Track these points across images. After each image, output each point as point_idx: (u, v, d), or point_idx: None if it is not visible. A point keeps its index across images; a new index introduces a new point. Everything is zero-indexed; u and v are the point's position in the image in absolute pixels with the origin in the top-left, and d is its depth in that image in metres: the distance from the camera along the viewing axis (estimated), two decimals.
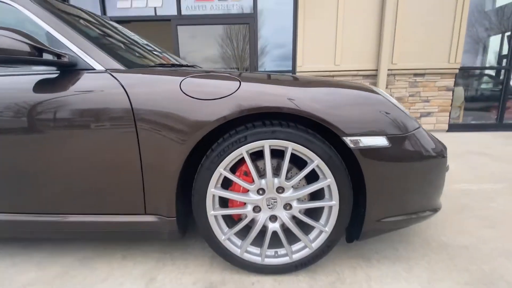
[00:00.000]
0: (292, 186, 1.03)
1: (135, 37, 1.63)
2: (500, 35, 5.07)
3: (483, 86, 5.54)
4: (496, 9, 5.07)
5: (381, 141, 0.97)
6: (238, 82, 0.98)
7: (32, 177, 1.04)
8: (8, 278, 1.10)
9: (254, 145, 0.97)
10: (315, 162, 0.98)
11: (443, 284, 1.03)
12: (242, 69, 5.27)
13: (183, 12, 4.74)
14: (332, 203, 1.02)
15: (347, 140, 0.96)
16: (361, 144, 0.96)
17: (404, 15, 4.48)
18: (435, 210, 1.15)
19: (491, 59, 5.25)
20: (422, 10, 4.49)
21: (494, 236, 1.36)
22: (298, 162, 1.09)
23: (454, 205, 1.74)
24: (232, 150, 0.98)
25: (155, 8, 4.78)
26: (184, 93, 0.97)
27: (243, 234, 1.10)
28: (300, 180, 1.03)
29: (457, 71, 4.71)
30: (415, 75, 4.73)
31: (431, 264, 1.15)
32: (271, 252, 1.09)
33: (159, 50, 1.77)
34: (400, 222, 1.08)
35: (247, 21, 4.75)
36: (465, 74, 5.19)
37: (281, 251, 1.10)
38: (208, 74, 1.04)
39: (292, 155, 1.00)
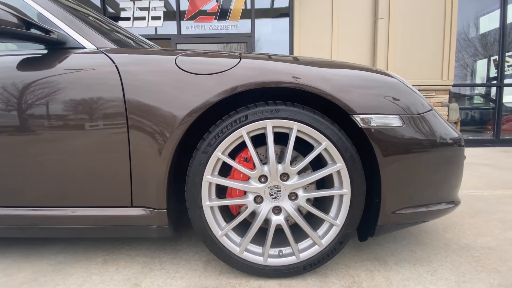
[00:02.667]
0: (297, 173, 0.92)
1: (124, 29, 1.61)
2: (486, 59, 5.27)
3: (477, 103, 5.65)
4: (480, 36, 5.32)
5: (394, 120, 0.89)
6: (238, 59, 0.92)
7: (7, 164, 0.92)
8: None
9: (255, 126, 0.88)
10: (323, 144, 0.88)
11: (474, 286, 0.89)
12: None
13: (183, 31, 4.87)
14: (343, 191, 0.91)
15: (358, 118, 0.87)
16: (372, 123, 0.88)
17: (396, 36, 4.65)
18: (454, 203, 1.04)
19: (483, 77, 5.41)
20: (414, 31, 4.67)
21: None
22: (303, 150, 0.99)
23: (469, 209, 1.62)
24: (231, 131, 0.88)
25: (156, 27, 4.92)
26: (180, 68, 0.89)
27: (242, 230, 0.97)
28: (306, 165, 0.93)
29: (450, 87, 4.80)
30: None
31: (456, 266, 1.01)
32: (275, 251, 0.95)
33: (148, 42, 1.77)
34: (418, 215, 0.96)
35: (245, 41, 4.88)
36: (460, 93, 5.31)
37: (287, 250, 0.96)
38: (206, 53, 0.98)
39: (297, 139, 0.91)
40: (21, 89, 0.91)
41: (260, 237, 0.95)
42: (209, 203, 0.91)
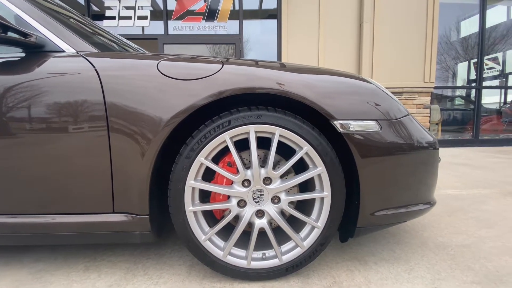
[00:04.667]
0: (280, 177, 0.94)
1: (108, 31, 1.58)
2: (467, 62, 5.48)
3: (458, 105, 5.86)
4: (461, 39, 5.52)
5: (372, 125, 0.92)
6: (221, 65, 0.93)
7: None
8: None
9: (238, 131, 0.89)
10: (305, 148, 0.91)
11: (448, 284, 0.93)
12: None
13: (170, 31, 4.81)
14: (323, 194, 0.93)
15: (337, 124, 0.90)
16: (351, 129, 0.90)
17: (380, 40, 4.76)
18: (430, 203, 1.08)
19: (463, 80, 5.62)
20: (397, 35, 4.80)
21: (492, 236, 1.30)
22: (286, 154, 1.01)
23: (446, 208, 1.69)
24: (214, 136, 0.89)
25: (142, 27, 4.84)
26: (162, 73, 0.89)
27: (226, 234, 0.97)
28: (288, 169, 0.95)
29: (432, 89, 4.96)
30: (394, 93, 4.92)
31: (432, 264, 1.06)
32: (258, 254, 0.97)
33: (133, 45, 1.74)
34: (396, 216, 1.00)
35: (233, 42, 4.87)
36: (442, 95, 5.50)
37: (270, 252, 0.97)
38: (191, 58, 0.98)
39: (279, 144, 0.93)
40: None
41: (243, 241, 0.97)
42: (192, 208, 0.91)
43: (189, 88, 0.88)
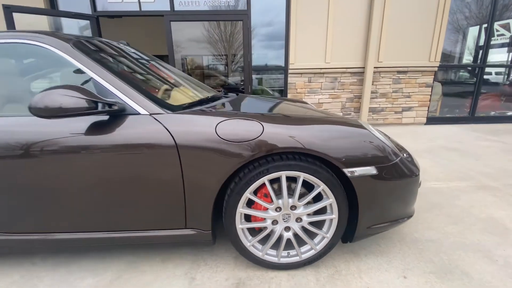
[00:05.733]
0: (302, 205, 1.32)
1: (159, 65, 1.82)
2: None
3: (460, 82, 5.94)
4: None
5: (371, 170, 1.27)
6: (262, 127, 1.23)
7: (100, 200, 1.26)
8: (69, 284, 1.35)
9: (274, 175, 1.25)
10: (321, 187, 1.27)
11: (413, 272, 1.39)
12: (232, 57, 5.40)
13: (176, 7, 4.74)
14: (332, 216, 1.33)
15: (346, 171, 1.24)
16: (356, 174, 1.26)
17: (390, 17, 4.72)
18: (409, 216, 1.48)
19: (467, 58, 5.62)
20: (407, 13, 4.74)
21: (455, 232, 1.74)
22: (306, 184, 1.37)
23: (425, 203, 2.11)
24: (257, 179, 1.24)
25: (147, 3, 4.74)
26: (219, 136, 1.20)
27: (262, 240, 1.40)
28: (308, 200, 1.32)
29: (436, 69, 5.07)
30: (399, 72, 5.06)
31: (405, 257, 1.51)
32: (285, 253, 1.41)
33: (181, 76, 1.99)
34: (384, 227, 1.41)
35: (241, 18, 4.82)
36: (444, 72, 5.57)
37: (293, 252, 1.41)
38: (237, 118, 1.27)
39: (294, 178, 1.28)
40: (91, 148, 1.20)
41: (274, 244, 1.39)
42: (241, 226, 1.32)
43: (241, 147, 1.20)
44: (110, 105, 1.18)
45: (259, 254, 1.37)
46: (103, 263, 1.49)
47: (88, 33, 4.73)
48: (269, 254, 1.39)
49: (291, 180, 1.35)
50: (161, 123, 1.21)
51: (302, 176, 1.25)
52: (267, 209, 1.33)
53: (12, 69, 1.36)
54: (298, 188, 1.28)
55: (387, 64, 4.94)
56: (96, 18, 4.67)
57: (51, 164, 1.20)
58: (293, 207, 1.32)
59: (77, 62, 1.27)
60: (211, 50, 5.46)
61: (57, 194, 1.25)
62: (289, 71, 4.92)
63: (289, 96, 5.06)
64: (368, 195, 1.30)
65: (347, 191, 1.34)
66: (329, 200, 1.30)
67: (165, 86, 1.61)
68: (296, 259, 1.40)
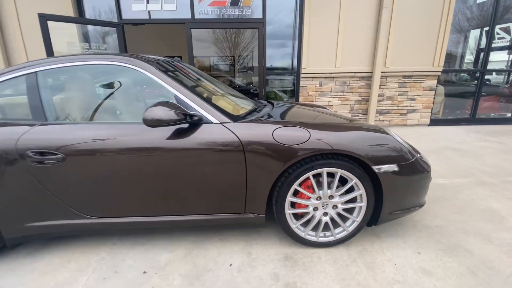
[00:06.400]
0: (338, 195, 1.65)
1: (207, 77, 2.15)
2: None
3: (461, 84, 6.26)
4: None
5: (393, 168, 1.60)
6: (309, 133, 1.56)
7: (180, 189, 1.59)
8: (150, 258, 1.69)
9: (317, 171, 1.58)
10: (354, 181, 1.61)
11: (426, 250, 1.72)
12: (240, 60, 5.70)
13: (197, 16, 5.06)
14: (362, 204, 1.67)
15: (375, 168, 1.58)
16: (382, 170, 1.59)
17: (397, 24, 5.04)
18: (422, 205, 1.82)
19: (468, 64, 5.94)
20: (412, 21, 5.06)
21: (459, 220, 2.07)
22: (341, 178, 1.70)
23: (433, 197, 2.45)
24: (303, 174, 1.57)
25: (169, 11, 5.05)
26: (275, 140, 1.53)
27: (305, 223, 1.73)
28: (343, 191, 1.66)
29: (439, 73, 5.39)
30: (404, 76, 5.38)
31: (418, 238, 1.84)
32: (322, 234, 1.74)
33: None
34: (402, 213, 1.74)
35: (257, 26, 5.14)
36: (446, 74, 5.89)
37: (328, 233, 1.74)
38: (288, 126, 1.59)
39: (333, 174, 1.62)
40: (177, 149, 1.53)
41: (314, 226, 1.73)
42: (288, 211, 1.65)
43: (293, 149, 1.53)
44: (191, 116, 1.51)
45: (302, 234, 1.71)
46: (172, 242, 1.83)
47: (114, 38, 5.04)
48: (309, 235, 1.73)
49: (328, 175, 1.68)
50: (230, 130, 1.54)
51: (339, 172, 1.59)
52: (310, 198, 1.66)
53: (109, 86, 1.70)
54: (336, 181, 1.61)
55: (393, 69, 5.27)
56: (122, 26, 4.99)
57: (151, 160, 1.53)
58: (331, 197, 1.66)
59: (161, 81, 1.60)
60: (224, 51, 5.76)
61: (154, 184, 1.57)
62: (301, 75, 5.24)
63: (300, 98, 5.39)
64: (390, 187, 1.63)
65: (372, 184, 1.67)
66: (360, 191, 1.63)
67: (220, 97, 1.94)
68: (331, 238, 1.73)
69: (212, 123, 1.57)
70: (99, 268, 1.62)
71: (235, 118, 1.63)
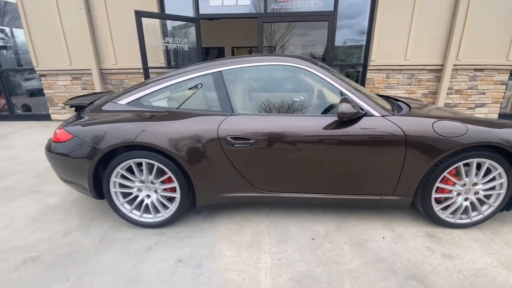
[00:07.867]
0: (482, 182, 1.87)
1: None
2: None
3: None
4: None
5: None
6: (466, 127, 1.77)
7: (343, 171, 1.89)
8: (308, 229, 2.02)
9: (467, 161, 1.80)
10: (498, 170, 1.81)
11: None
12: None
13: (269, 10, 5.26)
14: (501, 191, 1.87)
15: None
16: None
17: (472, 17, 4.93)
18: None
19: None
20: (489, 13, 4.93)
21: None
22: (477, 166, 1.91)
23: None
24: (455, 163, 1.80)
25: (243, 6, 5.30)
26: (436, 132, 1.76)
27: (445, 208, 1.97)
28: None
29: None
30: (476, 70, 5.30)
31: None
32: (460, 217, 1.97)
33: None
34: None
35: (327, 19, 5.26)
36: None
37: (464, 216, 1.98)
38: (446, 120, 1.81)
39: (478, 164, 1.83)
40: (348, 138, 1.81)
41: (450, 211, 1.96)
42: (434, 196, 1.90)
43: (452, 140, 1.75)
44: (361, 109, 1.78)
45: (442, 216, 1.96)
46: (321, 218, 2.14)
47: (187, 32, 5.40)
48: (448, 217, 1.97)
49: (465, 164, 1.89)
50: (393, 122, 1.79)
51: (487, 162, 1.80)
52: (455, 184, 1.89)
53: (286, 82, 2.01)
54: (483, 170, 1.82)
55: (465, 62, 5.19)
56: (198, 21, 5.32)
57: (320, 148, 1.83)
58: (474, 184, 1.88)
59: (328, 79, 1.88)
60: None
61: (320, 168, 1.88)
62: (369, 67, 5.33)
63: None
64: None
65: None
66: (502, 180, 1.84)
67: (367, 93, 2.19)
68: (467, 221, 1.97)
69: (373, 116, 1.83)
70: (272, 233, 1.97)
71: (391, 112, 1.88)
